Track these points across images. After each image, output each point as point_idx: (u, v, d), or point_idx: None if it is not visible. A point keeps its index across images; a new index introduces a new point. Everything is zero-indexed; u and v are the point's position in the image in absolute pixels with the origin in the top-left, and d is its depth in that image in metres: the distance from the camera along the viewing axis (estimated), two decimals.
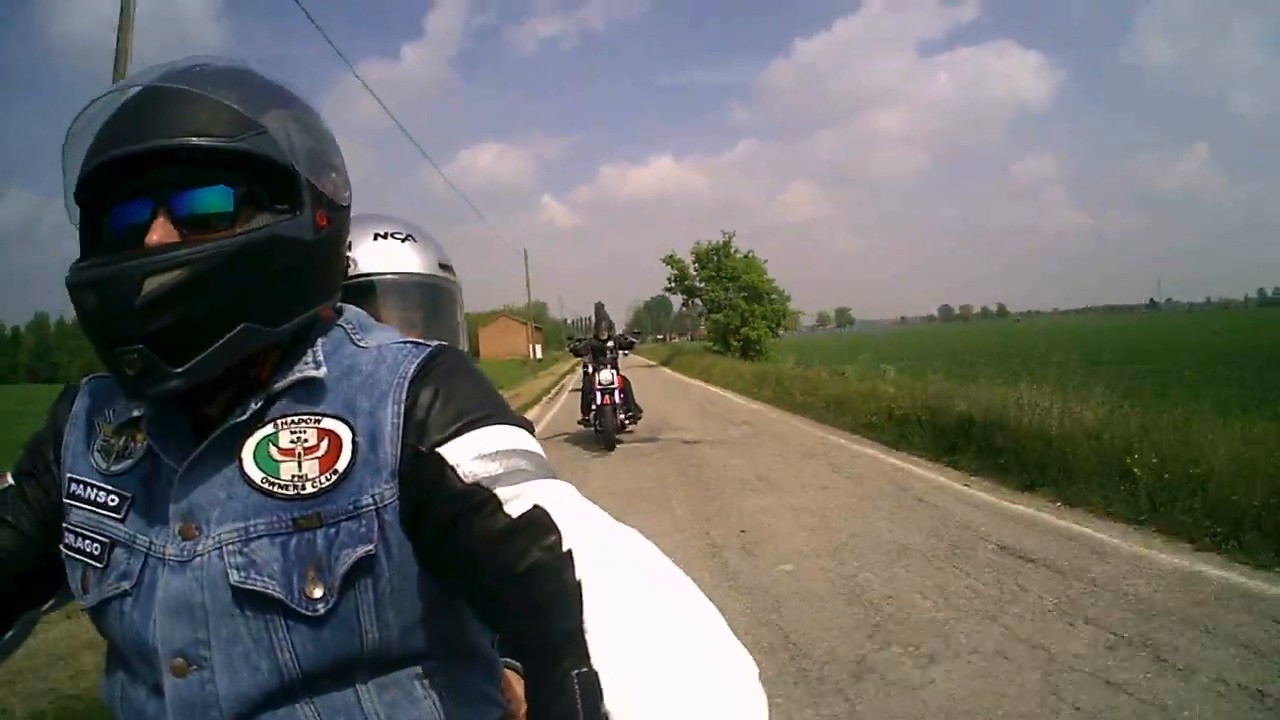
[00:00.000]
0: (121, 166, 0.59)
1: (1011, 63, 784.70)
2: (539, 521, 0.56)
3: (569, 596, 0.51)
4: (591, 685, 0.45)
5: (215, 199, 0.60)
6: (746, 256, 30.92)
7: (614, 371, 8.96)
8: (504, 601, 0.56)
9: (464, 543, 0.58)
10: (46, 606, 0.71)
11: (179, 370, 0.57)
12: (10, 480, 0.70)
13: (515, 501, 0.58)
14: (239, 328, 0.59)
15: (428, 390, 0.62)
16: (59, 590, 0.69)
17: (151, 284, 0.56)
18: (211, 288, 0.58)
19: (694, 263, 31.72)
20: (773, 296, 30.26)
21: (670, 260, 32.76)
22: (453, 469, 0.59)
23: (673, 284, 33.16)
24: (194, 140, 0.59)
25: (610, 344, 9.24)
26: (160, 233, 0.59)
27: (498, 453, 0.60)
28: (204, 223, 0.60)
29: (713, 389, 17.87)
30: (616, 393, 8.91)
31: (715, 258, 30.97)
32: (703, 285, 31.50)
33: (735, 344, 28.95)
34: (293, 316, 0.63)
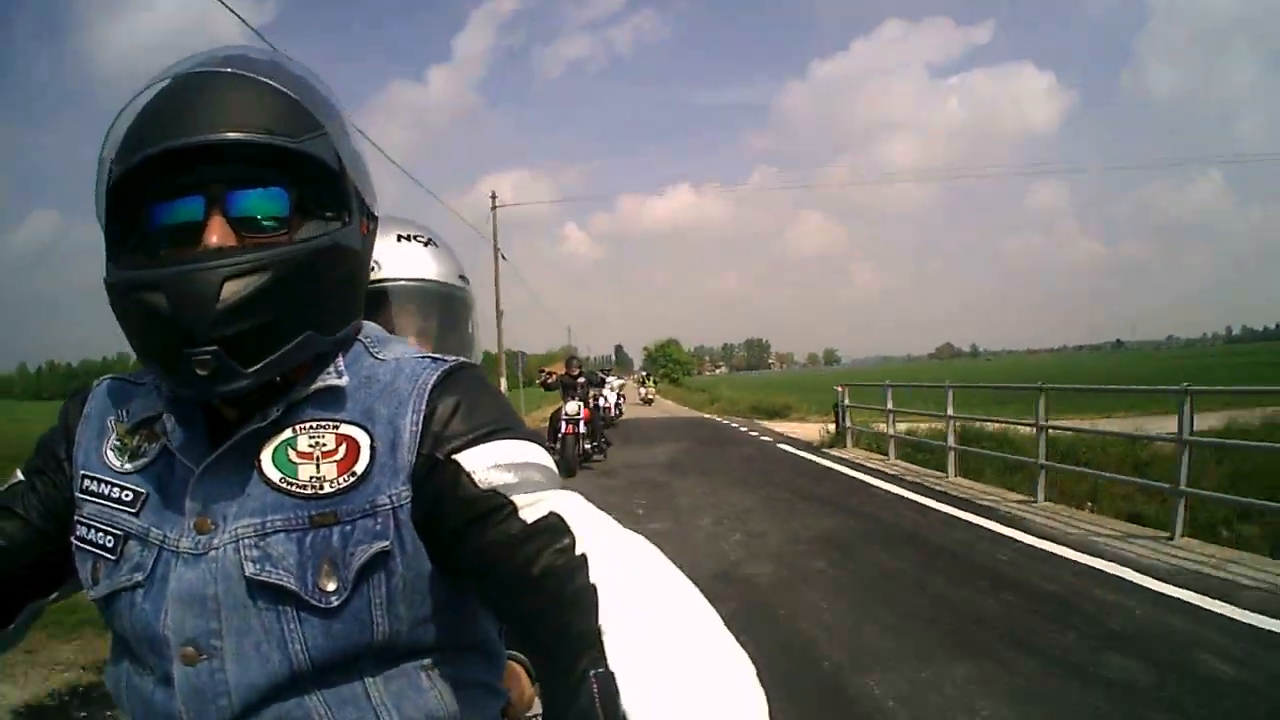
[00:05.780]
0: (169, 160, 0.56)
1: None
2: (555, 526, 0.57)
3: (585, 598, 0.52)
4: (609, 684, 0.46)
5: (274, 202, 0.60)
6: (677, 344, 74.46)
7: (580, 404, 9.89)
8: (520, 602, 0.57)
9: (480, 545, 0.59)
10: (51, 598, 0.71)
11: (249, 370, 0.58)
12: (20, 476, 0.70)
13: (531, 508, 0.59)
14: (305, 334, 0.60)
15: (446, 402, 0.63)
16: (64, 583, 0.70)
17: (232, 287, 0.56)
18: (286, 293, 0.58)
19: (656, 349, 75.48)
20: (687, 364, 75.56)
21: (646, 348, 76.80)
22: (469, 475, 0.60)
23: (647, 360, 77.21)
24: (265, 138, 0.57)
25: (581, 380, 10.41)
26: (219, 234, 0.57)
27: (513, 464, 0.62)
28: (259, 226, 0.59)
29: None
30: (581, 423, 9.74)
31: (664, 348, 75.25)
32: (658, 358, 75.09)
33: (670, 380, 71.62)
34: (344, 325, 0.65)
